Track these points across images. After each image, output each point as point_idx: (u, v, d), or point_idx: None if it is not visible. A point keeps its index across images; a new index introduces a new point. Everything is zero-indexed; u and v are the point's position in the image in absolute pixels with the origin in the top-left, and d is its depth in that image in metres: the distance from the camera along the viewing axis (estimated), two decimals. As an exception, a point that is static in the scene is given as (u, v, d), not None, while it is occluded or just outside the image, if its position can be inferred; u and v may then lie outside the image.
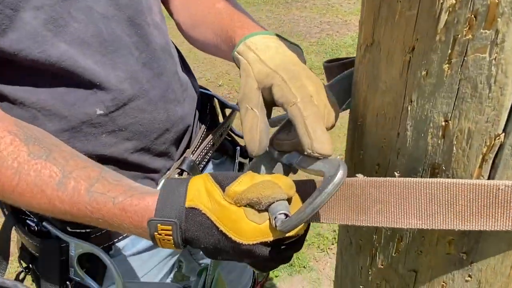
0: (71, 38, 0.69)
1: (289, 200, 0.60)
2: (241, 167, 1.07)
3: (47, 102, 0.71)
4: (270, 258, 0.58)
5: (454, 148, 0.51)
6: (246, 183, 0.59)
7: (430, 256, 0.59)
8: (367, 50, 0.61)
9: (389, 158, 0.61)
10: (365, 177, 0.58)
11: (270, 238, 0.57)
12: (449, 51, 0.47)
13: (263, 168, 0.70)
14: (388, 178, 0.55)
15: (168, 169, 0.88)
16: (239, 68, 0.74)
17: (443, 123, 0.51)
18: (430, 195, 0.52)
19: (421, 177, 0.57)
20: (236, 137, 1.07)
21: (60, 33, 0.68)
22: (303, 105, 0.59)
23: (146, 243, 0.86)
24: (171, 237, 0.59)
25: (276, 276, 2.39)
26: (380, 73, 0.58)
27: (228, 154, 1.04)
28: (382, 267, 0.69)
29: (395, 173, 0.60)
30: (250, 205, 0.58)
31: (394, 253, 0.66)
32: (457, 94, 0.49)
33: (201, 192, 0.59)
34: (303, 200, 0.60)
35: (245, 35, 0.73)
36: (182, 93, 0.89)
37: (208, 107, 0.99)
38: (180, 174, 0.88)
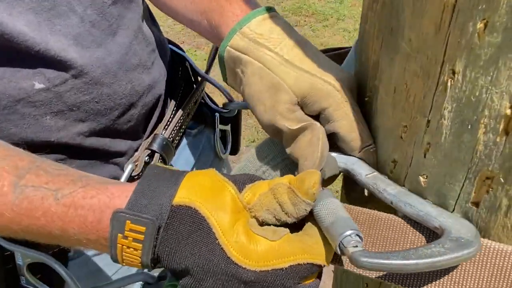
0: None
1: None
2: (224, 137, 0.89)
3: None
4: None
5: (525, 153, 0.31)
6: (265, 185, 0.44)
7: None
8: (383, -11, 0.39)
9: (411, 155, 0.41)
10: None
11: (291, 261, 0.40)
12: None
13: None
14: None
15: (136, 150, 0.70)
16: (239, 74, 0.51)
17: (509, 111, 0.31)
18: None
19: (461, 189, 0.37)
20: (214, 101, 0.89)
21: None
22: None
23: None
24: (140, 245, 0.41)
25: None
26: (401, 24, 0.37)
27: (206, 122, 0.85)
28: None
29: (420, 177, 0.40)
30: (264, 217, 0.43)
31: None
32: (540, 64, 0.28)
33: (205, 186, 0.43)
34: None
35: (237, 18, 0.52)
36: (149, 55, 0.68)
37: (180, 70, 0.79)
38: (151, 156, 0.70)
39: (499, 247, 0.36)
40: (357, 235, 0.38)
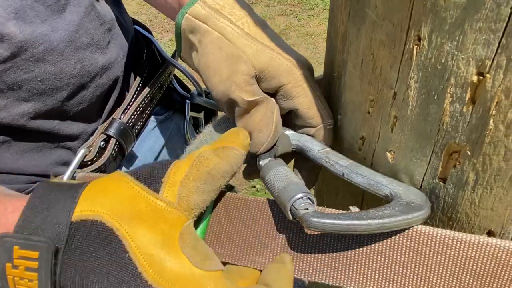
0: None
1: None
2: (196, 125, 0.86)
3: None
4: None
5: (491, 123, 0.30)
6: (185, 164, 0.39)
7: None
8: (349, -47, 0.37)
9: (378, 131, 0.39)
10: (358, 209, 0.36)
11: None
12: None
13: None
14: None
15: (91, 134, 0.67)
16: (195, 44, 0.49)
17: (475, 78, 0.29)
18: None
19: (429, 164, 0.35)
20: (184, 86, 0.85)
21: None
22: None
23: None
24: (35, 273, 0.34)
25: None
26: (368, -9, 0.35)
27: (176, 109, 0.81)
28: None
29: (388, 153, 0.39)
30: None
31: None
32: (506, 25, 0.26)
33: (111, 193, 0.37)
34: None
35: None
36: (103, 34, 0.64)
37: (145, 52, 0.75)
38: (107, 140, 0.66)
39: (462, 237, 0.34)
40: (309, 198, 0.37)
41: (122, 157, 0.70)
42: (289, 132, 0.47)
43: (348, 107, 0.44)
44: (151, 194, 0.37)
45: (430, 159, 0.35)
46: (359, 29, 0.38)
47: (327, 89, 0.50)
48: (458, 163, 0.33)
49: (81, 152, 0.63)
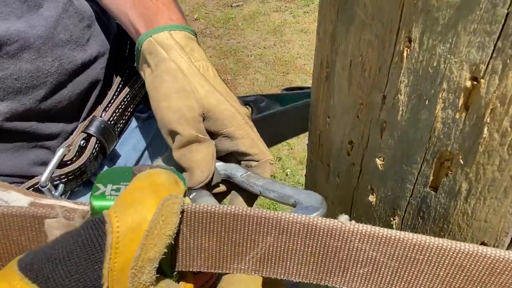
0: None
1: None
2: None
3: None
4: None
5: (486, 131, 0.28)
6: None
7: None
8: None
9: (368, 135, 0.37)
10: (353, 221, 0.34)
11: None
12: None
13: None
14: (388, 231, 0.32)
15: (71, 133, 0.64)
16: (151, 66, 0.52)
17: (469, 83, 0.27)
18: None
19: (420, 171, 0.34)
20: None
21: None
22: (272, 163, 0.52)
23: None
24: None
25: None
26: (357, -12, 0.33)
27: None
28: None
29: (377, 159, 0.37)
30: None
31: None
32: (503, 27, 0.24)
33: None
34: None
35: (171, 22, 0.54)
36: (82, 31, 0.62)
37: (128, 48, 0.73)
38: (87, 139, 0.64)
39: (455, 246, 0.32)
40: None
41: (104, 157, 0.68)
42: (218, 163, 0.51)
43: (337, 110, 0.42)
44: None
45: (421, 167, 0.33)
46: (348, 29, 0.36)
47: (315, 92, 0.48)
48: (450, 172, 0.32)
49: (60, 152, 0.61)
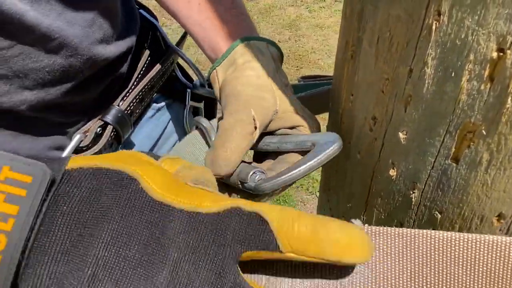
0: None
1: None
2: (196, 114, 0.84)
3: None
4: None
5: (509, 101, 0.29)
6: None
7: None
8: None
9: (392, 110, 0.39)
10: (366, 225, 0.35)
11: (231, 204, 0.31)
12: None
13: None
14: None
15: (88, 120, 0.65)
16: (233, 64, 0.54)
17: (495, 54, 0.29)
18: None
19: (442, 144, 0.35)
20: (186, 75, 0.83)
21: None
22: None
23: None
24: (17, 206, 0.26)
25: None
26: (388, -35, 0.34)
27: (176, 97, 0.80)
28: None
29: (400, 133, 0.38)
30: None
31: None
32: (531, -2, 0.26)
33: (104, 155, 0.33)
34: None
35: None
36: (114, 29, 0.63)
37: (149, 39, 0.74)
38: (104, 127, 0.65)
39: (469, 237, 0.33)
40: (259, 172, 0.46)
41: (118, 144, 0.70)
42: None
43: (361, 86, 0.43)
44: (150, 157, 0.35)
45: (443, 139, 0.35)
46: (376, 6, 0.37)
47: (338, 72, 0.49)
48: (472, 143, 0.33)
49: (76, 137, 0.62)
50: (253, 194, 0.47)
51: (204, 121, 0.54)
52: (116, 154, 0.34)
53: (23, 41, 0.52)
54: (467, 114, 0.32)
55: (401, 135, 0.38)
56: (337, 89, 0.50)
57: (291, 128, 0.52)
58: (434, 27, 0.31)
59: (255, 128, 0.49)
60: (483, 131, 0.32)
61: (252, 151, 0.54)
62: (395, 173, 0.41)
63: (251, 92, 0.50)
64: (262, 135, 0.52)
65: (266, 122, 0.50)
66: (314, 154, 0.44)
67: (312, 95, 0.73)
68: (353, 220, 0.39)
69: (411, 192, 0.40)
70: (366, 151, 0.45)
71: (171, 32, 3.38)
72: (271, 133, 0.53)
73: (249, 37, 0.55)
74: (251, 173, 0.46)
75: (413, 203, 0.41)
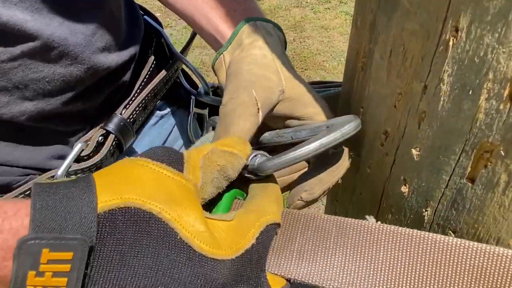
0: None
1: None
2: (201, 121, 0.82)
3: None
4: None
5: (531, 122, 0.28)
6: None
7: None
8: None
9: (404, 125, 0.37)
10: (379, 222, 0.35)
11: (255, 234, 0.36)
12: None
13: None
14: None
15: (90, 129, 0.64)
16: (245, 44, 0.52)
17: (516, 74, 0.27)
18: None
19: (457, 163, 0.34)
20: (190, 81, 0.81)
21: None
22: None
23: None
24: (65, 279, 0.29)
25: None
26: (403, -23, 0.33)
27: (180, 104, 0.78)
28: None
29: (413, 149, 0.37)
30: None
31: None
32: (557, 17, 0.24)
33: (133, 178, 0.33)
34: None
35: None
36: (117, 38, 0.62)
37: (153, 46, 0.72)
38: (105, 136, 0.64)
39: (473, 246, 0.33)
40: (260, 154, 0.42)
41: (120, 153, 0.68)
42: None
43: (372, 100, 0.42)
44: (177, 175, 0.35)
45: (459, 158, 0.33)
46: (390, 18, 0.36)
47: (348, 83, 0.48)
48: (489, 163, 0.32)
49: (78, 147, 0.61)
50: (261, 178, 0.43)
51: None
52: (148, 184, 0.33)
53: (23, 52, 0.51)
54: (484, 133, 0.31)
55: (414, 151, 0.37)
56: (347, 99, 0.49)
57: (302, 116, 0.48)
58: (451, 43, 0.30)
59: (258, 109, 0.46)
60: (502, 151, 0.30)
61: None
62: (407, 190, 0.40)
63: (255, 71, 0.47)
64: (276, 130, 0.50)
65: (270, 102, 0.47)
66: (328, 132, 0.40)
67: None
68: (367, 217, 0.38)
69: (424, 210, 0.39)
70: (377, 166, 0.43)
71: (175, 33, 3.38)
72: (285, 126, 0.50)
73: (255, 18, 0.53)
74: (252, 156, 0.41)
75: (425, 220, 0.39)
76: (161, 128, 0.77)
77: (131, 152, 0.72)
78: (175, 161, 0.36)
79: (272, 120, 0.49)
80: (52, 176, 0.59)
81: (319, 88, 0.82)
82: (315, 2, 3.69)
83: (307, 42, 3.32)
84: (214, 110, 0.82)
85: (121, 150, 0.68)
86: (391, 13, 0.36)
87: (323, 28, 3.43)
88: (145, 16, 0.75)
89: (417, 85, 0.34)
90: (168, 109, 0.76)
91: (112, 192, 0.31)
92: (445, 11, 0.30)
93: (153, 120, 0.74)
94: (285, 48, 0.55)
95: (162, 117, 0.76)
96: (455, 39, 0.30)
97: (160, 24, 0.77)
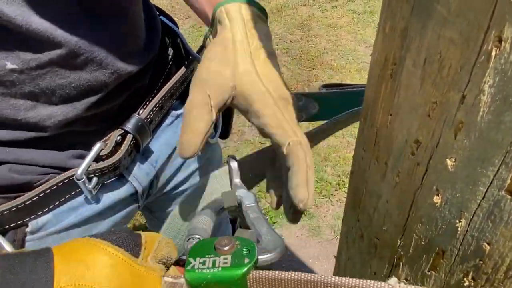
0: None
1: None
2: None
3: None
4: None
5: None
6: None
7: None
8: None
9: (439, 135, 0.36)
10: (396, 280, 0.35)
11: None
12: None
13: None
14: None
15: (108, 129, 0.65)
16: (214, 33, 0.55)
17: None
18: None
19: (496, 174, 0.33)
20: None
21: None
22: (306, 147, 0.49)
23: (73, 218, 0.64)
24: None
25: (274, 223, 2.24)
26: (440, -16, 0.32)
27: None
28: (406, 283, 0.47)
29: (448, 160, 0.36)
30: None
31: (428, 271, 0.44)
32: None
33: (90, 263, 0.35)
34: None
35: None
36: (140, 43, 0.63)
37: (169, 47, 0.73)
38: (123, 136, 0.64)
39: None
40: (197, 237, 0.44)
41: (137, 152, 0.69)
42: (241, 190, 0.52)
43: (402, 108, 0.41)
44: (132, 260, 0.37)
45: (498, 170, 0.33)
46: (424, 25, 0.35)
47: (374, 89, 0.47)
48: (531, 176, 0.31)
49: (97, 146, 0.62)
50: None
51: (232, 163, 0.56)
52: (102, 272, 0.35)
53: (51, 59, 0.51)
54: (528, 145, 0.30)
55: (449, 162, 0.36)
56: (372, 106, 0.48)
57: (254, 113, 0.51)
58: (493, 53, 0.29)
59: (211, 108, 0.49)
60: (546, 164, 0.30)
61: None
62: (439, 200, 0.39)
63: (211, 67, 0.50)
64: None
65: (223, 98, 0.50)
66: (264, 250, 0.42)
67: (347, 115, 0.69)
68: (390, 281, 0.37)
69: (457, 221, 0.38)
70: (407, 175, 0.43)
71: (182, 32, 3.38)
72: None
73: (222, 2, 0.54)
74: (188, 239, 0.45)
75: (458, 232, 0.39)
76: (177, 128, 0.78)
77: (147, 152, 0.73)
78: (134, 243, 0.38)
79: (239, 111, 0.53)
80: (72, 175, 0.60)
81: (333, 93, 0.80)
82: (322, 0, 3.68)
83: (314, 41, 3.31)
84: (228, 109, 0.83)
85: (138, 150, 0.69)
86: (426, 21, 0.35)
87: (331, 26, 3.41)
88: (161, 17, 0.75)
89: (455, 95, 0.33)
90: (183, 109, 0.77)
91: (69, 277, 0.34)
92: (487, 20, 0.29)
93: (169, 119, 0.75)
94: (266, 18, 0.56)
95: (177, 116, 0.77)
96: (498, 50, 0.29)
97: (175, 24, 0.77)
